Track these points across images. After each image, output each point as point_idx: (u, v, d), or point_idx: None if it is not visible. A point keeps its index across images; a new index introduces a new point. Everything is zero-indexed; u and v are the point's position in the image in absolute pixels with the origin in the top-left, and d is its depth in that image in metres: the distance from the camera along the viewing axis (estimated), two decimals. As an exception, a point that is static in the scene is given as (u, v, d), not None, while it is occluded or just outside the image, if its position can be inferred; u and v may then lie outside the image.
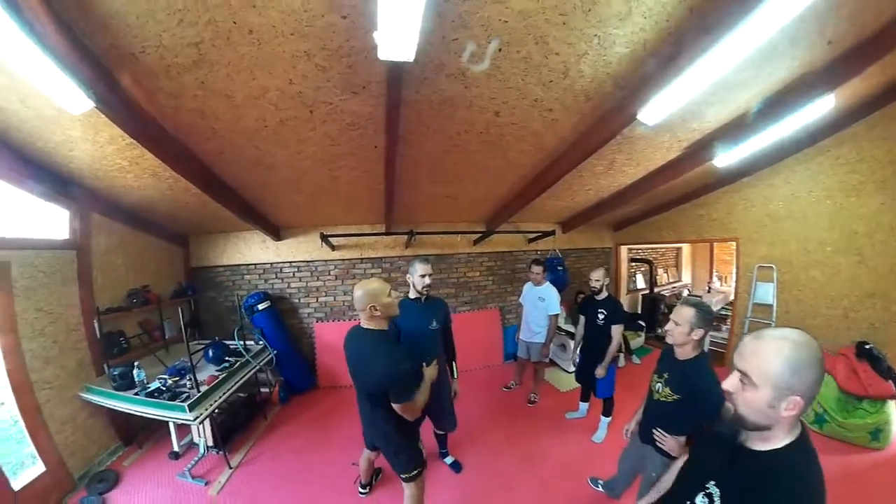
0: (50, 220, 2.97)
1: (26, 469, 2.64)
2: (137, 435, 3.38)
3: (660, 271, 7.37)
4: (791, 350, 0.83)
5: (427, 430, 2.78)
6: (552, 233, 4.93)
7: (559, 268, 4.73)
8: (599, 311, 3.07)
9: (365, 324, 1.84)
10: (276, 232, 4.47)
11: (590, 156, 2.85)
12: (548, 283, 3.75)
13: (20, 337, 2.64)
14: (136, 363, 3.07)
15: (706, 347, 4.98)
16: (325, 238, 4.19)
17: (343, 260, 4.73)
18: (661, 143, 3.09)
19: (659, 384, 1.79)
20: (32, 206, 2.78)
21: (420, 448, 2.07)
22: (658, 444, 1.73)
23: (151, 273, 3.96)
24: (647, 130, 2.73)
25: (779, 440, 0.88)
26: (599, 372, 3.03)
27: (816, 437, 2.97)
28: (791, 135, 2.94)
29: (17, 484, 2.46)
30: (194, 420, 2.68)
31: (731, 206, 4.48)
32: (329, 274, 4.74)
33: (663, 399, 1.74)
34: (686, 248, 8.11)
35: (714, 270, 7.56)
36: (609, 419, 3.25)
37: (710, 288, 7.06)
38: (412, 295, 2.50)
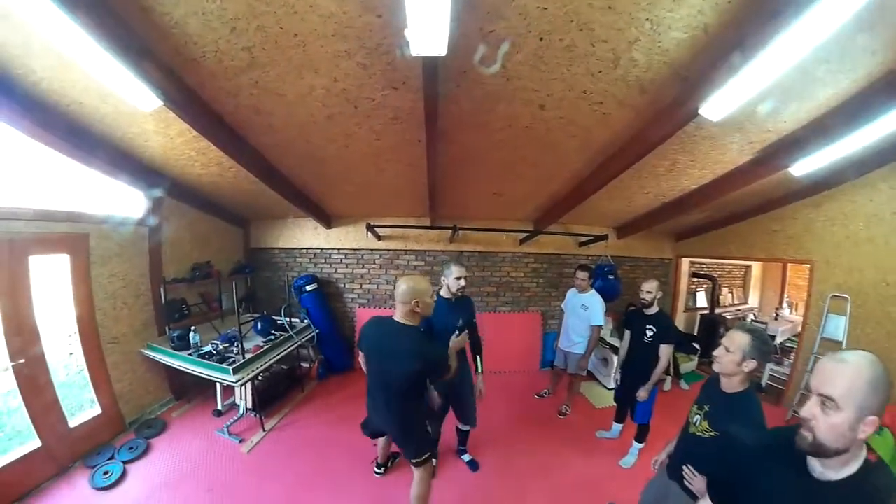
0: (127, 201, 3.39)
1: (84, 411, 3.04)
2: (188, 391, 3.79)
3: (724, 290, 6.64)
4: (870, 369, 0.83)
5: (448, 426, 2.81)
6: (604, 237, 4.60)
7: (610, 276, 4.40)
8: (648, 327, 2.77)
9: (401, 317, 1.90)
10: (328, 220, 4.72)
11: (646, 154, 2.61)
12: (593, 290, 3.55)
13: (94, 296, 3.06)
14: (192, 328, 3.46)
15: (764, 382, 4.39)
16: (371, 228, 4.32)
17: (388, 250, 4.86)
18: (729, 144, 2.74)
19: (697, 416, 1.59)
20: (112, 187, 3.17)
21: (430, 433, 2.17)
22: (686, 482, 1.54)
23: (214, 251, 4.37)
24: (713, 129, 2.46)
25: (851, 466, 0.86)
26: (641, 395, 2.76)
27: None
28: (876, 143, 2.49)
29: (73, 422, 2.85)
30: (236, 382, 2.98)
31: (809, 223, 3.89)
32: (374, 263, 4.90)
33: (699, 434, 1.55)
34: (756, 268, 7.21)
35: (785, 296, 6.62)
36: (642, 445, 3.00)
37: (777, 315, 6.20)
38: (444, 294, 2.58)
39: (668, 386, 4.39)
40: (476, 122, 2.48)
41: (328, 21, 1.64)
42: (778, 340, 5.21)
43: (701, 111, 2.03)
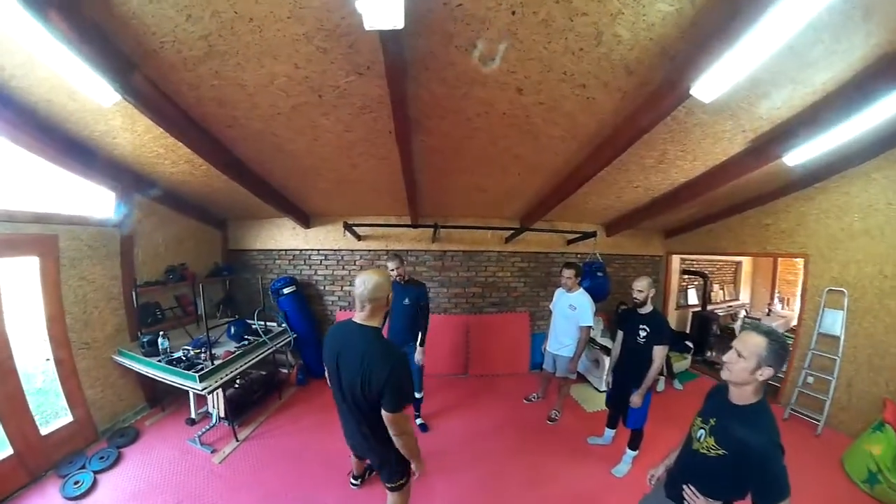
0: (97, 200, 3.24)
1: (59, 419, 2.90)
2: (163, 399, 3.61)
3: (715, 287, 6.57)
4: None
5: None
6: (593, 234, 4.49)
7: (599, 273, 4.27)
8: (641, 327, 2.64)
9: (363, 319, 1.64)
10: (306, 220, 4.56)
11: (635, 142, 2.46)
12: (581, 289, 3.40)
13: (63, 301, 2.91)
14: (161, 333, 3.28)
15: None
16: (348, 227, 4.17)
17: (369, 251, 4.71)
18: (721, 132, 2.61)
19: (702, 431, 1.40)
20: (82, 187, 3.05)
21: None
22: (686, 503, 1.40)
23: (189, 252, 4.20)
24: (704, 117, 2.36)
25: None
26: (635, 400, 2.61)
27: (865, 499, 2.62)
28: (872, 132, 2.43)
29: (45, 430, 2.72)
30: (202, 389, 2.83)
31: (802, 216, 3.81)
32: (354, 264, 4.74)
33: (703, 451, 1.37)
34: (746, 263, 7.17)
35: (776, 291, 6.60)
36: (635, 453, 2.85)
37: (770, 311, 6.19)
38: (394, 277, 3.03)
39: (661, 386, 4.27)
40: (450, 108, 2.34)
41: (282, 1, 1.53)
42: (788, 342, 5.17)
43: (692, 91, 1.88)
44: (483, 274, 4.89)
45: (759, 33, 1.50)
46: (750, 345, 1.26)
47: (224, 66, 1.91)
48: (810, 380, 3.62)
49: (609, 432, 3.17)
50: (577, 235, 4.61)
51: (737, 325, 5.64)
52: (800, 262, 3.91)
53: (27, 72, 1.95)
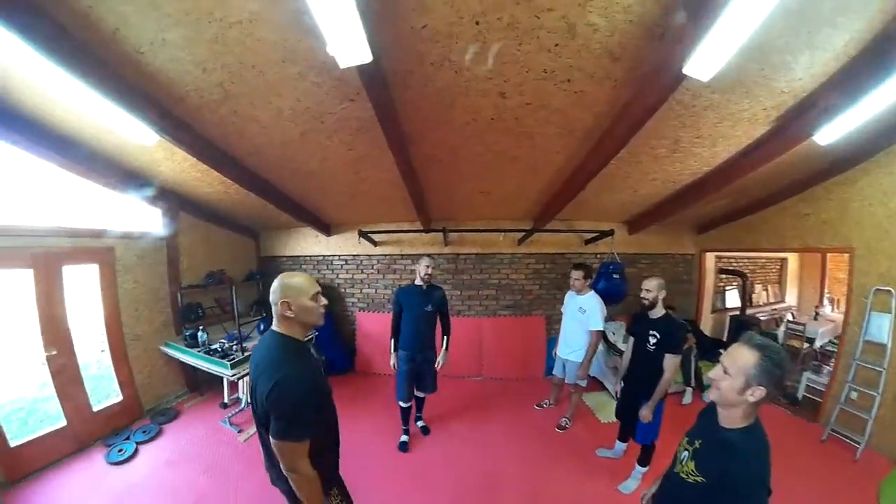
0: (147, 217, 3.81)
1: (110, 399, 3.43)
2: (201, 385, 4.12)
3: (757, 288, 5.96)
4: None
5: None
6: (610, 233, 4.34)
7: (615, 275, 4.10)
8: (651, 332, 2.43)
9: (276, 326, 1.42)
10: (327, 229, 4.91)
11: (636, 132, 2.34)
12: (592, 292, 3.28)
13: (119, 300, 3.45)
14: (201, 328, 3.79)
15: (801, 394, 3.81)
16: (363, 234, 4.42)
17: (384, 255, 4.94)
18: (739, 112, 2.38)
19: (686, 452, 1.26)
20: (134, 206, 3.61)
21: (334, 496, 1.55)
22: None
23: (227, 260, 4.70)
24: (714, 97, 2.18)
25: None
26: (644, 414, 2.39)
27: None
28: None
29: (97, 407, 3.27)
30: (232, 375, 3.27)
31: (845, 203, 3.34)
32: (372, 268, 5.00)
33: (682, 475, 1.23)
34: (792, 260, 6.35)
35: (825, 291, 5.78)
36: (645, 470, 2.65)
37: (817, 314, 5.42)
38: (417, 282, 3.04)
39: (687, 399, 3.98)
40: (439, 120, 2.45)
41: (275, 49, 1.79)
42: (818, 343, 4.61)
43: (685, 70, 1.73)
44: (496, 276, 4.90)
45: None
46: (738, 360, 1.10)
47: (239, 105, 2.24)
48: (853, 395, 3.18)
49: (620, 445, 2.99)
50: (594, 235, 4.48)
51: (780, 331, 5.06)
52: (846, 256, 3.42)
53: (76, 117, 2.38)
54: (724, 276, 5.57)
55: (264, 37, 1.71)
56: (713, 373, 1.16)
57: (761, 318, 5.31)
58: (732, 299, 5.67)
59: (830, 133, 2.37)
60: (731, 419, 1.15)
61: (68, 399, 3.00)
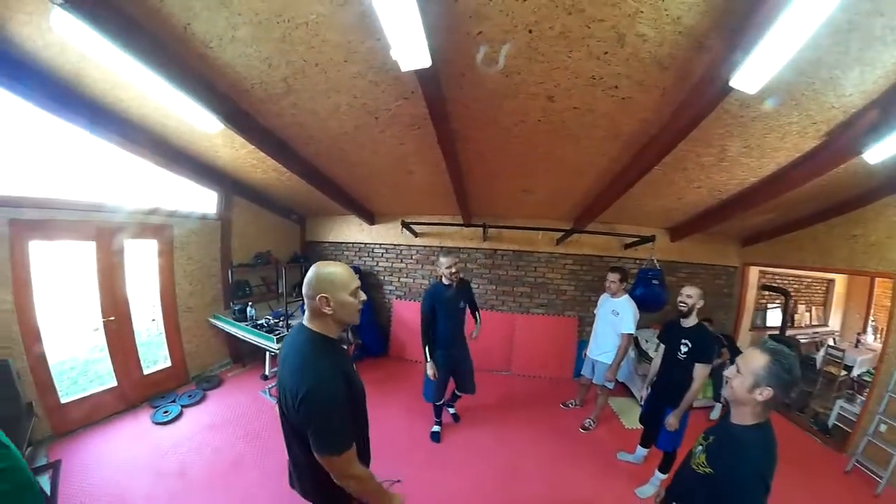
0: (204, 199, 4.13)
1: (158, 364, 3.78)
2: (244, 357, 4.45)
3: (801, 308, 5.65)
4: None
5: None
6: (651, 239, 4.25)
7: (654, 282, 4.01)
8: (683, 341, 2.43)
9: (308, 321, 1.27)
10: (371, 217, 5.10)
11: (681, 140, 2.36)
12: (627, 296, 3.29)
13: (174, 274, 3.77)
14: (249, 304, 4.10)
15: (831, 422, 3.67)
16: (406, 225, 4.59)
17: (424, 247, 5.09)
18: (788, 125, 2.37)
19: (700, 447, 1.36)
20: (193, 188, 3.92)
21: None
22: None
23: (274, 242, 5.02)
24: (764, 109, 2.16)
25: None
26: (671, 422, 2.40)
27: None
28: None
29: (147, 371, 3.59)
30: (277, 349, 3.49)
31: (894, 227, 3.19)
32: (411, 258, 5.16)
33: (694, 467, 1.33)
34: (840, 282, 5.95)
35: (871, 318, 5.37)
36: (665, 477, 2.64)
37: (858, 341, 5.07)
38: (445, 282, 2.97)
39: (716, 413, 3.89)
40: (487, 120, 2.53)
41: (338, 50, 1.93)
42: (855, 372, 4.34)
43: (732, 83, 1.75)
44: (532, 274, 4.94)
45: (794, 12, 1.39)
46: (750, 362, 1.20)
47: (300, 99, 2.41)
48: (882, 427, 3.02)
49: (641, 451, 2.97)
50: (635, 239, 4.44)
51: (819, 355, 4.81)
52: (890, 282, 3.22)
53: (141, 103, 2.61)
54: (766, 292, 5.31)
55: (329, 38, 1.85)
56: (728, 371, 1.28)
57: (801, 341, 5.01)
58: (773, 318, 5.41)
59: (880, 152, 2.30)
60: (741, 416, 1.24)
61: (120, 362, 3.29)
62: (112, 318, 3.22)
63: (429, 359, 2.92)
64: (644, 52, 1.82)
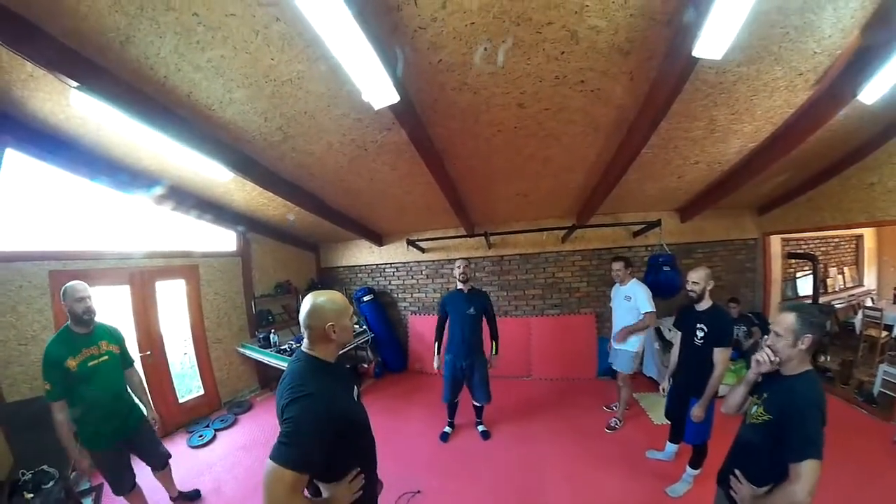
0: (224, 239, 4.49)
1: (192, 393, 4.06)
2: (271, 382, 4.69)
3: (832, 272, 5.27)
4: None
5: (466, 401, 3.31)
6: (657, 223, 4.16)
7: (665, 267, 3.94)
8: (699, 326, 2.33)
9: (309, 347, 1.30)
10: (379, 239, 5.33)
11: (662, 118, 2.30)
12: (634, 279, 3.30)
13: (203, 309, 4.08)
14: (272, 331, 4.37)
15: (877, 390, 3.49)
16: (411, 243, 4.76)
17: (432, 261, 5.24)
18: (773, 82, 2.25)
19: (755, 406, 1.44)
20: (213, 230, 4.28)
21: None
22: (732, 491, 1.39)
23: (292, 271, 5.32)
24: (741, 70, 2.09)
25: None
26: (696, 413, 2.27)
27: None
28: None
29: (182, 399, 3.87)
30: None
31: None
32: (421, 273, 5.32)
33: (752, 422, 1.43)
34: (868, 236, 5.49)
35: None
36: (697, 472, 2.48)
37: None
38: (459, 286, 3.24)
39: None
40: (468, 135, 2.66)
41: (322, 97, 2.18)
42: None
43: (695, 52, 1.69)
44: (542, 276, 4.94)
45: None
46: (783, 322, 1.37)
47: (297, 143, 2.69)
48: None
49: (671, 447, 2.83)
50: (642, 226, 4.37)
51: (857, 319, 4.45)
52: None
53: (159, 161, 2.93)
54: (792, 260, 5.00)
55: (312, 89, 2.09)
56: (770, 340, 1.41)
57: (836, 307, 4.69)
58: (804, 286, 5.05)
59: (875, 90, 2.16)
60: (790, 369, 1.38)
61: (157, 392, 3.55)
62: (148, 353, 3.53)
63: (436, 353, 3.25)
64: (602, 43, 1.84)
